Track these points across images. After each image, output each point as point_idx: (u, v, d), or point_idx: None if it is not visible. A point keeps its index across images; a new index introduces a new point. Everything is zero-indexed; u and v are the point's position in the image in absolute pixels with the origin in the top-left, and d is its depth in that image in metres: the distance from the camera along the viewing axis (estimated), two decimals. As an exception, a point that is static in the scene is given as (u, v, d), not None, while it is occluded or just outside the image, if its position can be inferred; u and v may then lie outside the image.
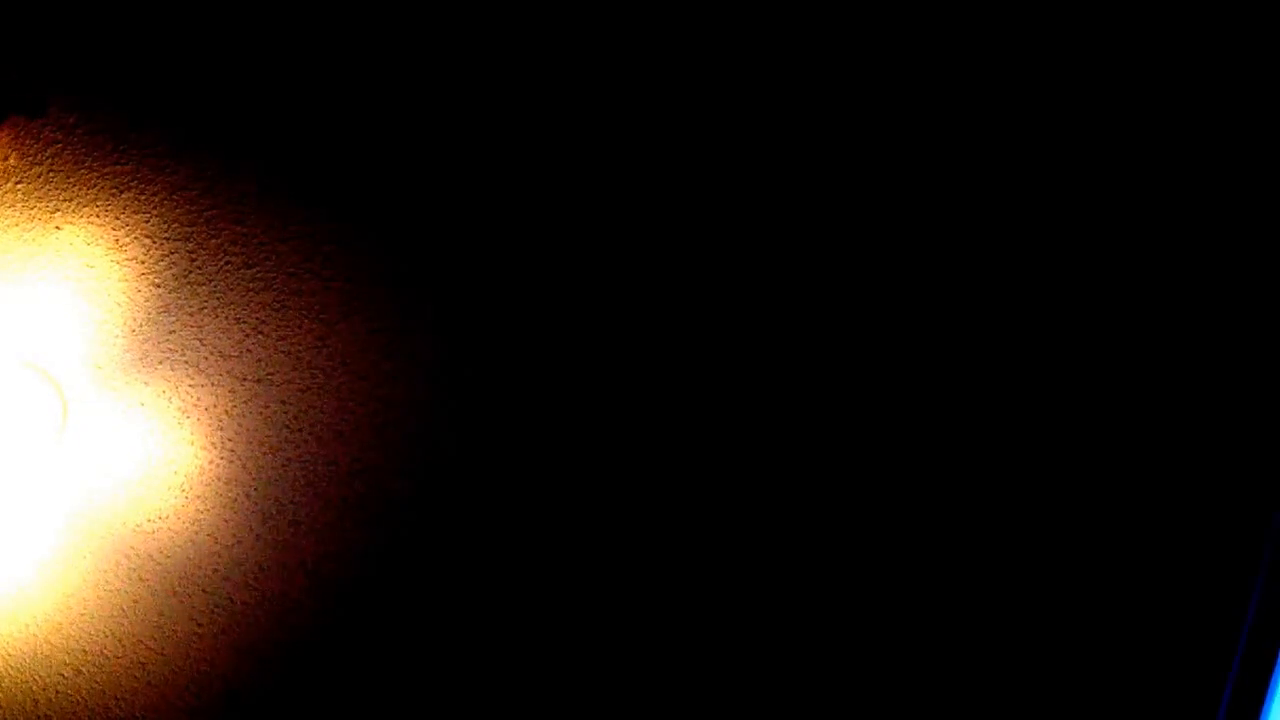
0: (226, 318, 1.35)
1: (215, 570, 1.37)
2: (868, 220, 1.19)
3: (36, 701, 1.45)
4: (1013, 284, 1.15)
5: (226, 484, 1.36)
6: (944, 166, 1.17)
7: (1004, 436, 1.15)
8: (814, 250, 1.20)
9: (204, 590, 1.37)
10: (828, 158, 1.20)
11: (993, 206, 1.16)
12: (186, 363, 1.36)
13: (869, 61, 1.19)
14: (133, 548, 1.39)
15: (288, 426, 1.33)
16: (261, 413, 1.34)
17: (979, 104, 1.16)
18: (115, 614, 1.41)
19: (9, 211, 1.38)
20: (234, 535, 1.36)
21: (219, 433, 1.36)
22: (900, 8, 1.18)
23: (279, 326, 1.33)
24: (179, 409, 1.37)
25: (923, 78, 1.18)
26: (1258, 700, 1.08)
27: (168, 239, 1.36)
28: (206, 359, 1.36)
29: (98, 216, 1.36)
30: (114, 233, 1.36)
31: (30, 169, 1.37)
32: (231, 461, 1.35)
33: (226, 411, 1.35)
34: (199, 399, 1.36)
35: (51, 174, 1.37)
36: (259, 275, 1.33)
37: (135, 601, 1.40)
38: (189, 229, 1.35)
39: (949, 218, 1.17)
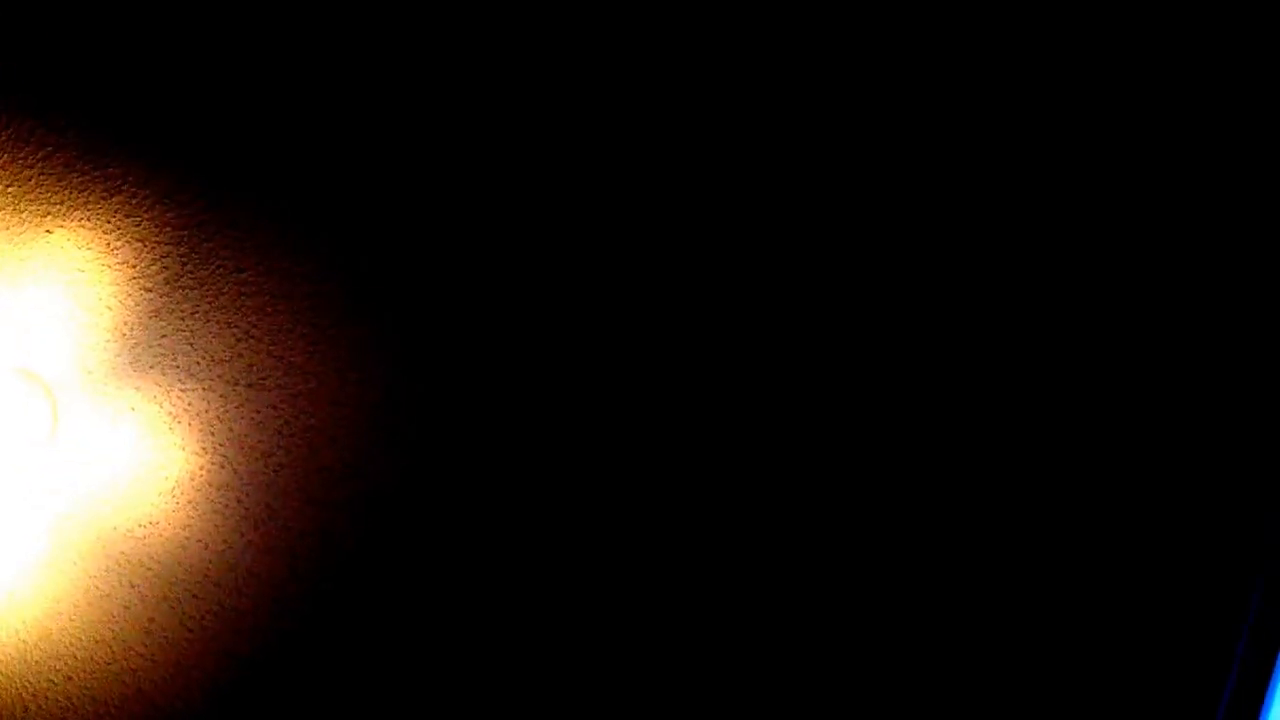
0: (218, 322, 1.34)
1: (206, 576, 1.36)
2: (854, 220, 1.19)
3: (27, 709, 1.44)
4: (1011, 286, 1.15)
5: (218, 489, 1.35)
6: (943, 166, 1.17)
7: (1003, 436, 1.14)
8: (794, 249, 1.20)
9: (195, 596, 1.37)
10: (793, 154, 1.20)
11: (991, 207, 1.16)
12: (177, 367, 1.36)
13: (869, 61, 1.19)
14: (123, 553, 1.39)
15: (280, 431, 1.33)
16: (253, 418, 1.33)
17: (978, 104, 1.16)
18: (105, 619, 1.40)
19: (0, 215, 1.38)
20: (225, 541, 1.35)
21: (210, 437, 1.35)
22: (900, 8, 1.17)
23: (271, 331, 1.33)
24: (170, 413, 1.36)
25: (922, 78, 1.17)
26: (1256, 702, 1.08)
27: (159, 243, 1.35)
28: (198, 363, 1.35)
29: (89, 220, 1.36)
30: (105, 236, 1.36)
31: (21, 172, 1.36)
32: (223, 466, 1.35)
33: (218, 416, 1.35)
34: (190, 403, 1.36)
35: (43, 177, 1.37)
36: (251, 279, 1.33)
37: (125, 607, 1.39)
38: (181, 233, 1.35)
39: (948, 218, 1.17)
